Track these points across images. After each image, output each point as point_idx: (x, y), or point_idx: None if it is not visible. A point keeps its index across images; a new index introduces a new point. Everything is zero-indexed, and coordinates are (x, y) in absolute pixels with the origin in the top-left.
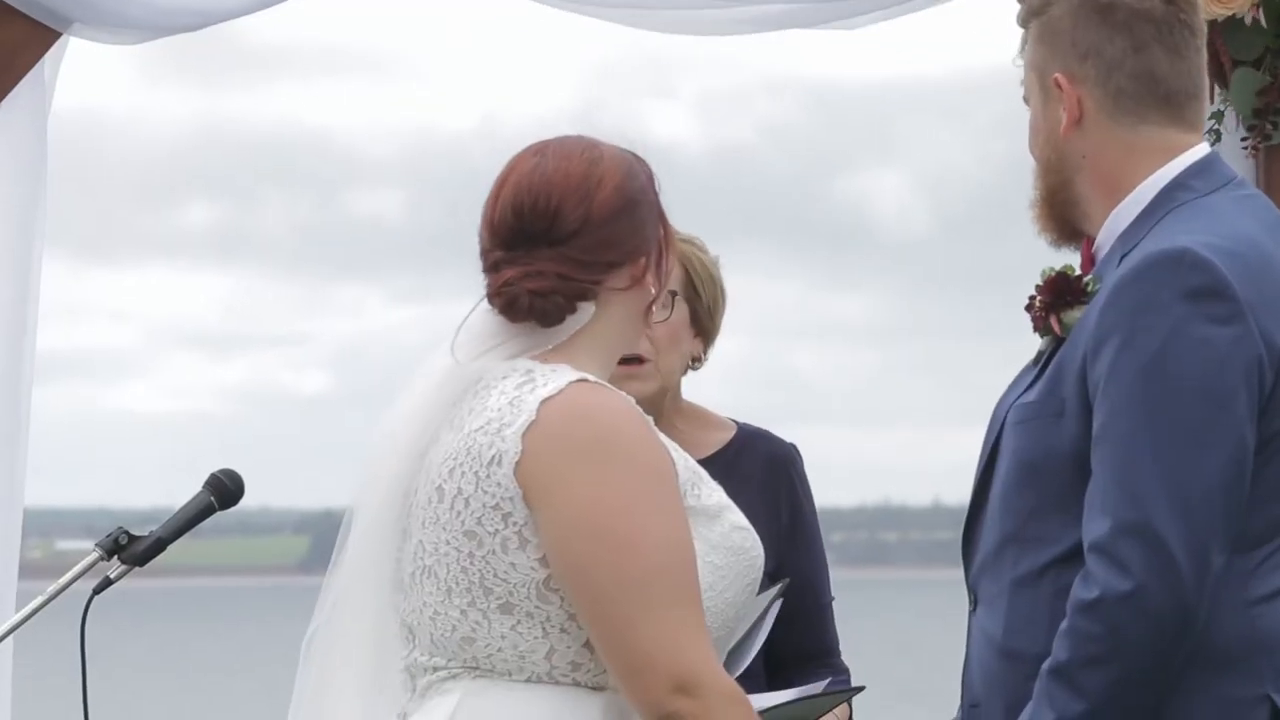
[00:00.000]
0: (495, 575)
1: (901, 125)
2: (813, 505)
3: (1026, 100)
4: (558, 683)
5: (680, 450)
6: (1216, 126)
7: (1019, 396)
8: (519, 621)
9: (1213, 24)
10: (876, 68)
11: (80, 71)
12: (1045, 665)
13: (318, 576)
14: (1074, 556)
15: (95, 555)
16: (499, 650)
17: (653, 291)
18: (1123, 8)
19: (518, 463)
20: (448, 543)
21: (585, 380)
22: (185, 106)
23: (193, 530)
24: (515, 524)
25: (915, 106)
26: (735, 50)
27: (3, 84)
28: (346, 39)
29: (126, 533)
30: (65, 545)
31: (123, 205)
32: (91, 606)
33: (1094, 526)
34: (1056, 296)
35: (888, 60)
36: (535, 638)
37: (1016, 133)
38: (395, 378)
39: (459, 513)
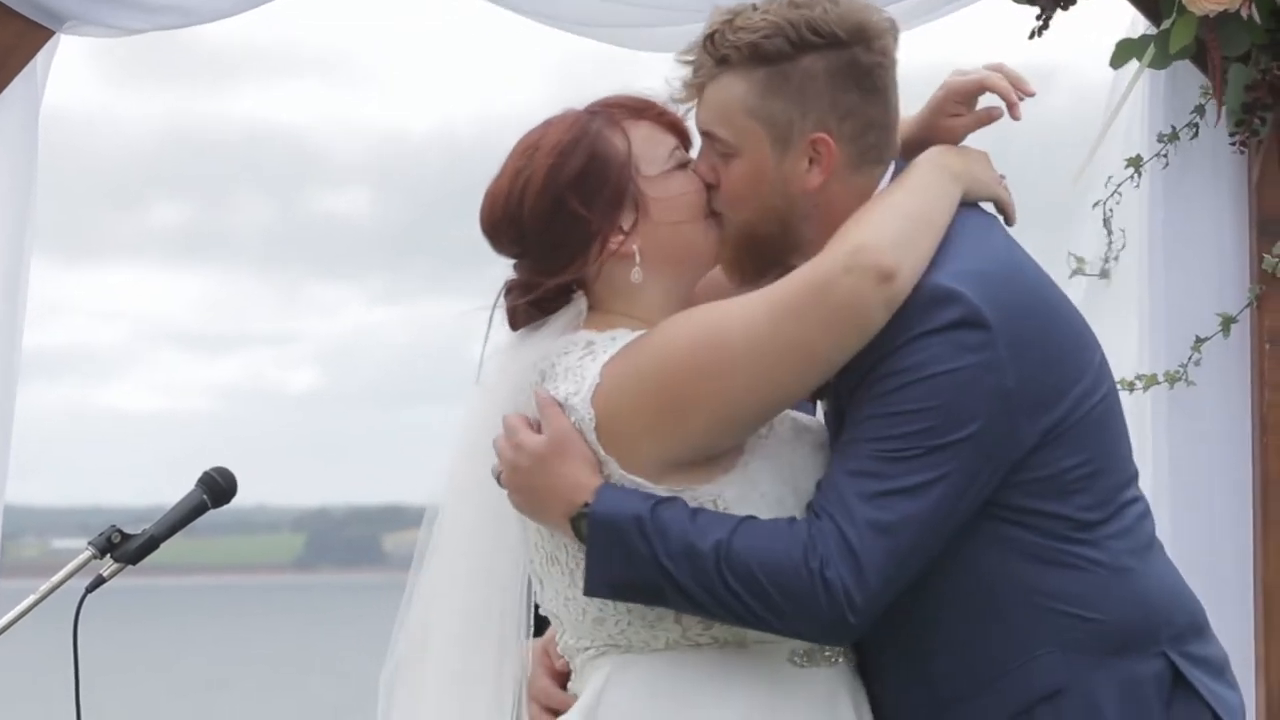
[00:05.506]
0: None
1: None
2: None
3: (720, 149)
4: (697, 644)
5: None
6: (1196, 120)
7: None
8: None
9: (1205, 19)
10: None
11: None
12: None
13: (313, 574)
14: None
15: (88, 554)
16: (629, 625)
17: (635, 249)
18: (876, 71)
19: (596, 426)
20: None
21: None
22: (151, 108)
23: (188, 528)
24: None
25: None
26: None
27: None
28: (307, 41)
29: (119, 531)
30: (60, 544)
31: (97, 205)
32: (84, 605)
33: (825, 502)
34: None
35: None
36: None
37: (990, 128)
38: (382, 375)
39: None
